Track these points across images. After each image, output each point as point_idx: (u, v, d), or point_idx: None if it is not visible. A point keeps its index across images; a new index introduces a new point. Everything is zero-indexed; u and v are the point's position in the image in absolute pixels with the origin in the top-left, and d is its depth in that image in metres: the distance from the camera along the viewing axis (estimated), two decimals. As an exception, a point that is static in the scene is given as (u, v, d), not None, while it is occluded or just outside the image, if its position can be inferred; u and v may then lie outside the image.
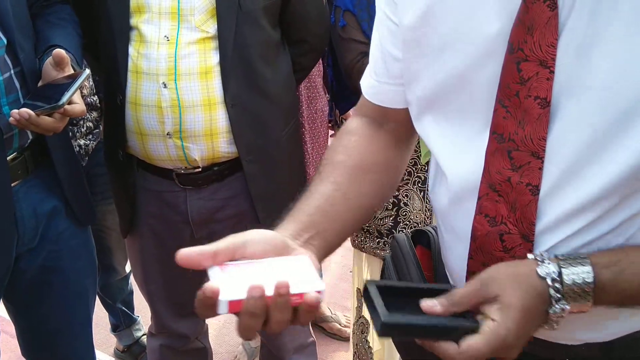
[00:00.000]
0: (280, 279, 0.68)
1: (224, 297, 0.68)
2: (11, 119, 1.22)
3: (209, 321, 2.00)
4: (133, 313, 2.53)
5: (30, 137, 1.37)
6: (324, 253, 0.83)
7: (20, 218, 1.38)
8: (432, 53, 0.82)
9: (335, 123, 2.08)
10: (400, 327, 0.71)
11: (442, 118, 0.85)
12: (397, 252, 1.00)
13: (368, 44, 1.73)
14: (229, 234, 1.73)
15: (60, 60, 1.27)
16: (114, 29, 1.48)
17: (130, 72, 1.48)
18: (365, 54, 1.74)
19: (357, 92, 1.86)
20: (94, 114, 2.12)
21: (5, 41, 1.30)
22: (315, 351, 1.93)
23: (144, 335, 2.52)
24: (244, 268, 0.73)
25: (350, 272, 2.74)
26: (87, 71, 1.29)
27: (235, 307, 0.68)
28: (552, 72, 0.73)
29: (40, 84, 1.32)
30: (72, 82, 1.26)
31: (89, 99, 2.07)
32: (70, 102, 1.25)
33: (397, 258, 0.99)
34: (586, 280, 0.72)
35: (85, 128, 2.07)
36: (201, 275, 1.95)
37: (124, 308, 2.48)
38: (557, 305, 0.72)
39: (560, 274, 0.72)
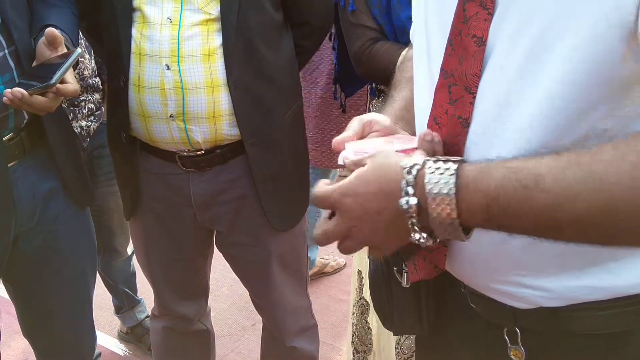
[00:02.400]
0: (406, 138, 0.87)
1: (395, 148, 0.82)
2: (4, 98, 1.21)
3: (212, 304, 2.01)
4: (136, 295, 2.54)
5: (27, 117, 1.37)
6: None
7: (18, 198, 1.38)
8: None
9: (341, 105, 2.07)
10: None
11: (422, 53, 0.92)
12: None
13: (378, 30, 1.73)
14: (232, 217, 1.75)
15: (52, 40, 1.26)
16: (116, 10, 1.47)
17: (133, 54, 1.47)
18: (375, 40, 1.72)
19: (364, 77, 1.86)
20: (96, 96, 2.12)
21: None
22: (317, 334, 1.94)
23: (147, 317, 2.54)
24: (370, 141, 0.89)
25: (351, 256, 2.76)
26: (79, 50, 1.28)
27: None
28: (490, 13, 0.76)
29: (34, 63, 1.31)
30: (64, 61, 1.25)
31: (90, 81, 2.07)
32: (63, 82, 1.24)
33: None
34: (449, 170, 0.69)
35: (87, 109, 2.06)
36: (202, 254, 1.95)
37: (126, 290, 2.49)
38: (405, 199, 0.70)
39: (421, 167, 0.71)
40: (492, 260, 0.84)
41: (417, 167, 0.71)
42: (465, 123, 0.80)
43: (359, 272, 2.00)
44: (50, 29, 1.26)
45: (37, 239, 1.45)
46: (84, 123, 2.06)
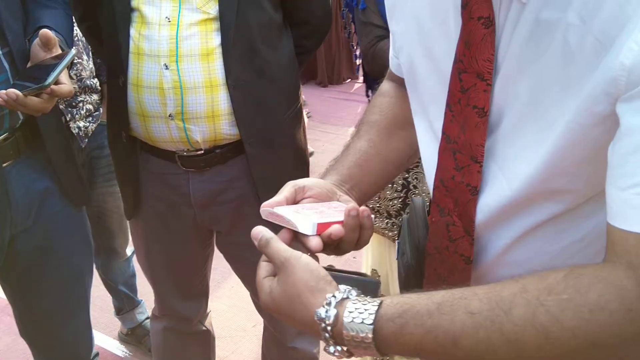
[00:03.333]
0: (340, 209, 0.83)
1: (310, 222, 0.79)
2: None
3: (213, 306, 2.00)
4: (136, 296, 2.53)
5: (22, 117, 1.37)
6: (361, 200, 0.94)
7: (13, 198, 1.37)
8: (411, 29, 0.87)
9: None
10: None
11: (416, 100, 0.91)
12: (412, 213, 1.04)
13: (385, 28, 1.73)
14: (231, 217, 1.74)
15: (47, 41, 1.26)
16: (115, 11, 1.46)
17: (131, 53, 1.47)
18: (381, 38, 1.74)
19: (371, 74, 1.86)
20: (95, 97, 2.11)
21: None
22: (318, 335, 1.93)
23: (147, 318, 2.53)
24: (302, 207, 0.86)
25: (354, 258, 2.75)
26: (73, 51, 1.28)
27: (321, 229, 0.79)
28: (489, 84, 0.75)
29: (29, 64, 1.31)
30: (59, 62, 1.25)
31: (89, 82, 2.06)
32: (57, 82, 1.24)
33: (412, 219, 1.04)
34: (367, 334, 0.67)
35: (85, 110, 2.06)
36: (202, 255, 1.94)
37: (126, 291, 2.48)
38: (330, 346, 0.71)
39: (338, 320, 0.69)
40: None
41: (334, 312, 0.69)
42: (475, 191, 0.80)
43: (374, 270, 2.00)
44: (44, 30, 1.26)
45: (33, 239, 1.45)
46: (82, 124, 2.06)
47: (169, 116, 1.47)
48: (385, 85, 1.07)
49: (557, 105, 0.69)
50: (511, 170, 0.76)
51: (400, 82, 1.03)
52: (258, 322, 2.43)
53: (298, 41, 1.66)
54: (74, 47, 1.35)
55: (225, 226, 1.67)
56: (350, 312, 0.68)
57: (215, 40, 1.45)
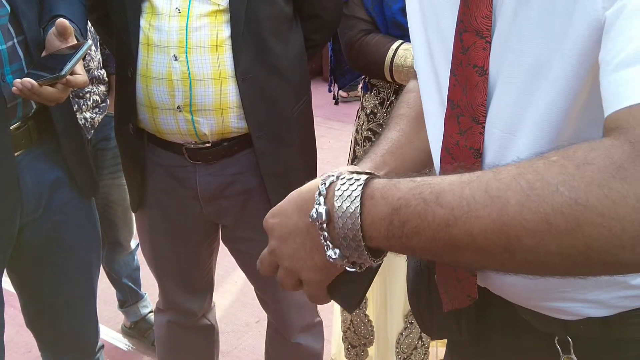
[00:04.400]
0: None
1: None
2: (14, 88, 1.21)
3: (216, 301, 2.00)
4: (140, 289, 2.53)
5: (34, 107, 1.37)
6: None
7: (24, 187, 1.38)
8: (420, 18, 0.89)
9: (334, 97, 2.06)
10: None
11: (425, 84, 0.92)
12: None
13: (370, 22, 1.73)
14: (237, 211, 1.73)
15: (63, 31, 1.27)
16: (126, 1, 1.46)
17: (141, 44, 1.46)
18: (367, 32, 1.71)
19: (355, 69, 1.84)
20: (102, 88, 2.11)
21: (8, 9, 1.29)
22: (322, 331, 1.93)
23: (150, 312, 2.53)
24: None
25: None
26: (89, 42, 1.28)
27: None
28: (488, 41, 0.75)
29: (44, 54, 1.31)
30: (74, 52, 1.25)
31: (96, 72, 2.06)
32: (72, 73, 1.24)
33: None
34: (356, 183, 0.64)
35: (91, 101, 2.05)
36: (207, 249, 1.94)
37: (130, 284, 2.48)
38: (316, 208, 0.66)
39: (335, 180, 0.67)
40: (534, 281, 0.82)
41: (332, 179, 0.67)
42: (477, 153, 0.79)
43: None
44: (61, 20, 1.26)
45: (42, 229, 1.45)
46: (88, 115, 2.05)
47: (177, 108, 1.46)
48: (411, 83, 1.08)
49: (552, 51, 0.69)
50: (513, 131, 0.76)
51: None
52: (262, 317, 2.43)
53: (307, 35, 1.65)
54: (89, 38, 1.35)
55: (231, 220, 1.66)
56: (342, 181, 0.66)
57: (225, 32, 1.44)
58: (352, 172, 0.68)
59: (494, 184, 0.57)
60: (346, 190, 0.64)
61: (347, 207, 0.64)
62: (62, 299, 1.55)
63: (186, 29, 1.42)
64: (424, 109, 0.93)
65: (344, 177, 0.66)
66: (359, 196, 0.63)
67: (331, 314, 2.21)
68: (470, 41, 0.77)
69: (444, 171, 0.84)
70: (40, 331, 1.62)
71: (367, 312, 2.00)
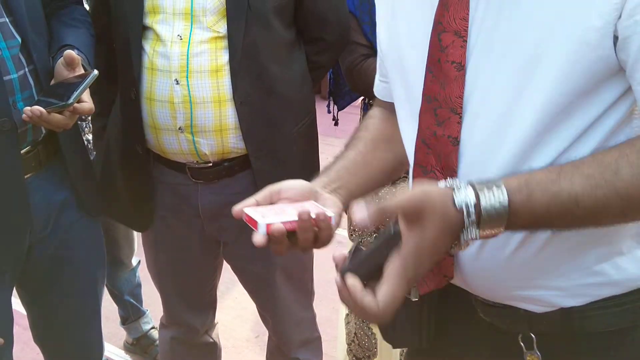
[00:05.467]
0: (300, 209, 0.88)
1: (263, 222, 0.87)
2: (24, 115, 1.26)
3: (217, 316, 2.02)
4: (141, 306, 2.56)
5: (44, 132, 1.42)
6: (347, 200, 1.00)
7: (33, 207, 1.42)
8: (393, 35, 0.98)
9: (334, 118, 2.11)
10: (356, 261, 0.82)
11: (396, 94, 1.00)
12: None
13: (369, 47, 1.78)
14: (238, 229, 1.77)
15: (71, 61, 1.32)
16: (129, 28, 1.51)
17: (146, 68, 1.52)
18: (366, 56, 1.76)
19: (355, 91, 1.89)
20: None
21: (20, 40, 1.35)
22: (321, 346, 1.95)
23: (152, 328, 2.56)
24: (271, 208, 0.93)
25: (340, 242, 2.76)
26: (95, 72, 1.33)
27: (269, 229, 0.87)
28: (465, 40, 0.84)
29: (52, 82, 1.36)
30: (81, 81, 1.30)
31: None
32: (79, 101, 1.29)
33: None
34: (502, 203, 0.75)
35: (93, 124, 2.10)
36: (211, 266, 1.94)
37: (132, 300, 2.51)
38: (468, 232, 0.76)
39: (477, 198, 0.75)
40: (506, 268, 0.88)
41: (471, 199, 0.76)
42: (455, 141, 0.87)
43: None
44: (68, 51, 1.31)
45: (50, 247, 1.49)
46: (90, 137, 2.10)
47: (179, 129, 1.52)
48: (373, 110, 1.17)
49: (543, 46, 0.78)
50: (489, 120, 0.84)
51: (385, 107, 1.12)
52: (261, 333, 2.46)
53: (311, 57, 1.68)
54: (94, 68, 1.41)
55: (231, 238, 1.70)
56: (483, 198, 0.75)
57: (224, 57, 1.49)
58: (485, 187, 0.76)
59: (620, 184, 0.74)
60: (493, 216, 0.75)
61: (494, 225, 0.76)
62: (68, 315, 1.59)
63: (187, 55, 1.47)
64: (397, 112, 1.01)
65: (486, 200, 0.75)
66: (506, 219, 0.75)
67: (335, 329, 2.22)
68: (449, 40, 0.86)
69: (417, 162, 0.93)
70: (47, 346, 1.66)
71: (370, 325, 2.02)
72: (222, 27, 1.48)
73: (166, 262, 1.78)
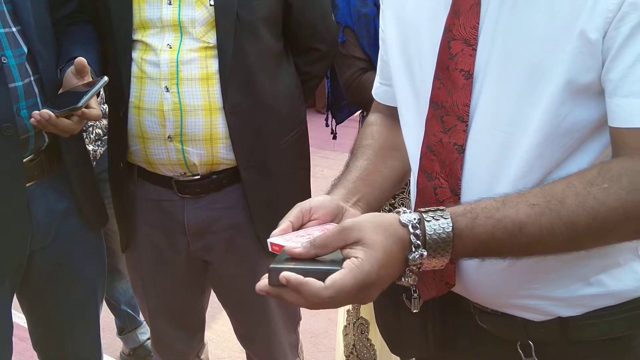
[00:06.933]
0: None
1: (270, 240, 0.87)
2: (32, 119, 1.29)
3: (212, 326, 2.01)
4: (138, 316, 2.56)
5: (47, 140, 1.44)
6: (366, 212, 0.97)
7: (35, 216, 1.44)
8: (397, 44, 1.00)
9: (332, 132, 2.12)
10: (280, 270, 0.79)
11: (401, 99, 1.01)
12: None
13: (367, 61, 1.80)
14: (224, 247, 1.74)
15: (81, 68, 1.34)
16: (117, 42, 1.51)
17: (134, 77, 1.51)
18: (364, 70, 1.78)
19: (354, 105, 1.91)
20: (104, 122, 2.17)
21: (26, 49, 1.38)
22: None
23: (149, 338, 2.55)
24: (297, 234, 0.90)
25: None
26: (105, 78, 1.36)
27: (274, 248, 0.87)
28: (475, 49, 0.85)
29: (61, 90, 1.39)
30: (90, 88, 1.33)
31: (99, 108, 2.13)
32: (87, 107, 1.32)
33: None
34: (445, 229, 0.77)
35: (94, 134, 2.13)
36: (198, 287, 1.88)
37: (129, 310, 2.51)
38: (416, 252, 0.77)
39: (420, 221, 0.77)
40: (507, 277, 0.90)
41: (415, 221, 0.78)
42: (461, 149, 0.88)
43: None
44: (80, 58, 1.34)
45: (51, 256, 1.51)
46: (90, 147, 2.12)
47: (168, 137, 1.50)
48: (372, 117, 1.17)
49: (548, 58, 0.80)
50: (495, 130, 0.85)
51: (385, 112, 1.13)
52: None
53: (303, 68, 1.69)
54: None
55: (217, 256, 1.65)
56: (428, 220, 0.77)
57: (214, 66, 1.49)
58: (431, 214, 0.78)
59: (565, 212, 0.75)
60: (437, 240, 0.77)
61: (440, 251, 0.78)
62: (68, 323, 1.60)
63: (177, 62, 1.47)
64: (400, 118, 1.02)
65: (429, 224, 0.77)
66: (451, 244, 0.77)
67: (331, 340, 2.20)
68: (458, 48, 0.86)
69: (422, 168, 0.94)
70: (46, 353, 1.68)
71: (369, 337, 2.02)
72: (211, 38, 1.48)
73: (152, 284, 1.73)
